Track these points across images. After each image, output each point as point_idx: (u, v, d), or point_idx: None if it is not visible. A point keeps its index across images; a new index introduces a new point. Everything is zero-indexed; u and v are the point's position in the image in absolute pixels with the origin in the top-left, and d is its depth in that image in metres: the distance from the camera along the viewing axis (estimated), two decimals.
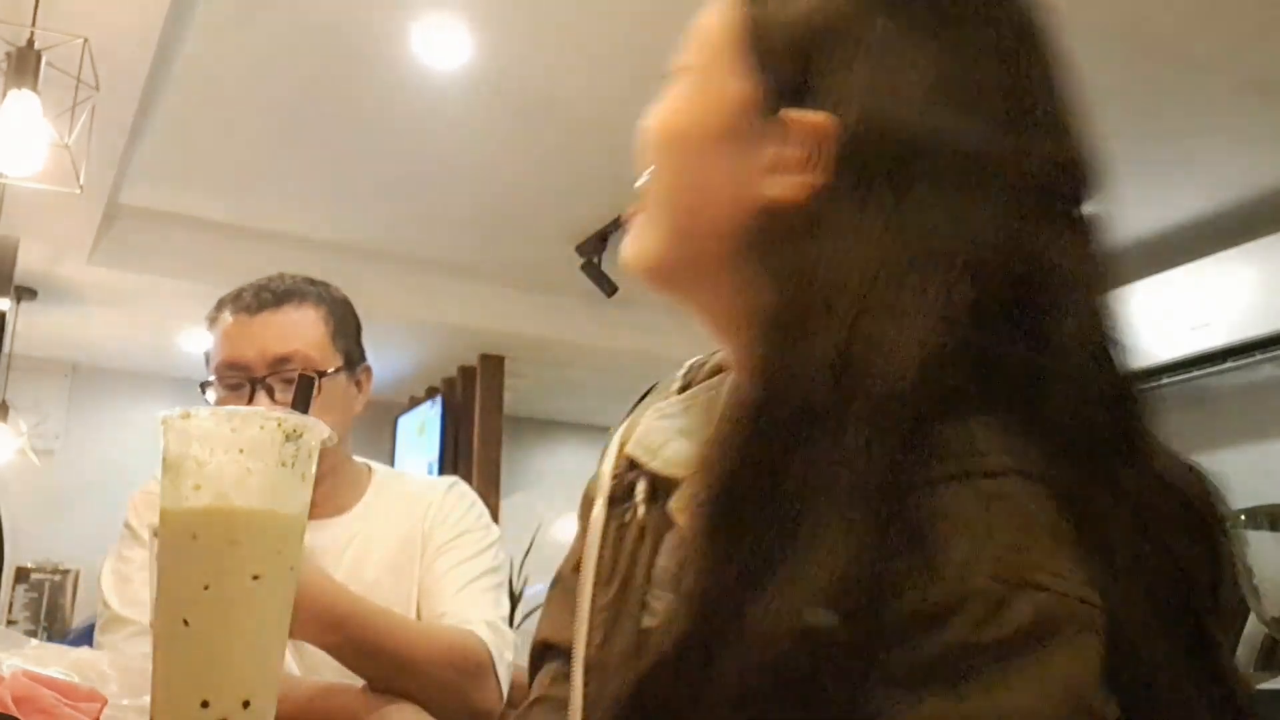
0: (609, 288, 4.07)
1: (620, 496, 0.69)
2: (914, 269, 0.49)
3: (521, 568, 4.67)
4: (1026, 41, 0.57)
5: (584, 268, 4.12)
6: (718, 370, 0.72)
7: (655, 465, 0.67)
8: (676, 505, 0.64)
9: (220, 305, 1.29)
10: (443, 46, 2.97)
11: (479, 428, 4.97)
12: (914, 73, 0.52)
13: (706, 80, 0.59)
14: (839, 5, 0.54)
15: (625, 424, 0.73)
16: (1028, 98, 0.55)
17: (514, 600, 4.50)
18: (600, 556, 0.68)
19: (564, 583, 0.74)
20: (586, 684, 0.65)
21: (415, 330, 4.72)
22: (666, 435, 0.68)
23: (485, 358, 5.04)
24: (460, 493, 1.39)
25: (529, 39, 2.96)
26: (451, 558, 1.30)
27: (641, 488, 0.68)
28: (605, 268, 4.08)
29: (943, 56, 0.52)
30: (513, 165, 3.64)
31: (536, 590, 4.71)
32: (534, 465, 5.92)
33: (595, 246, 4.09)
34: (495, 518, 1.42)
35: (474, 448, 4.95)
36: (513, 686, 1.22)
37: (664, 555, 0.66)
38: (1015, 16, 0.57)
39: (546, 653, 0.74)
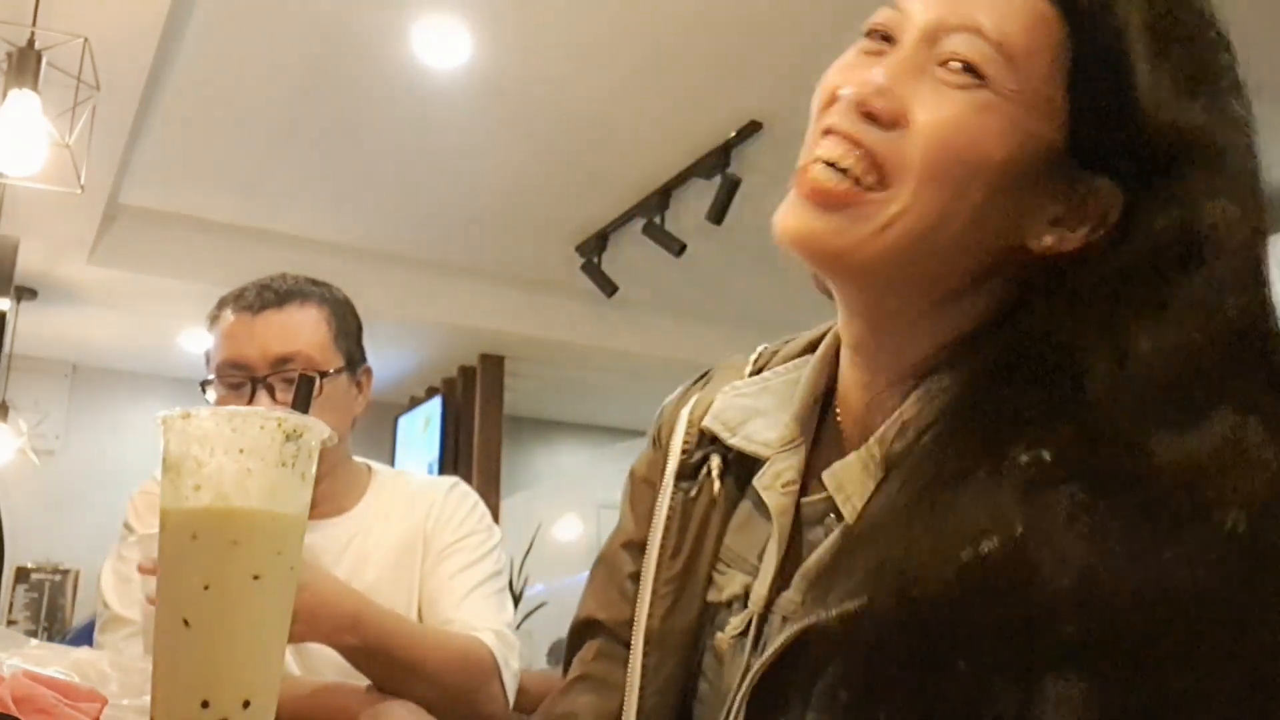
0: (609, 288, 4.07)
1: (689, 472, 0.70)
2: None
3: (522, 568, 4.68)
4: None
5: (584, 268, 4.12)
6: (792, 356, 0.73)
7: (735, 441, 0.68)
8: (762, 483, 0.65)
9: (222, 304, 1.29)
10: (443, 47, 2.97)
11: (479, 428, 4.97)
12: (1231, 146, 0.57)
13: (1019, 113, 0.55)
14: (1192, 109, 0.56)
15: (691, 403, 0.73)
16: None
17: (514, 601, 4.50)
18: (668, 527, 0.69)
19: (609, 561, 0.75)
20: (646, 654, 0.66)
21: (415, 330, 4.72)
22: (745, 413, 0.69)
23: (485, 358, 5.04)
24: (462, 494, 1.39)
25: (529, 40, 2.96)
26: (456, 563, 1.30)
27: (716, 463, 0.69)
28: (605, 268, 4.08)
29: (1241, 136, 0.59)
30: (513, 165, 3.64)
31: (537, 590, 4.71)
32: (534, 465, 5.92)
33: (595, 246, 4.09)
34: (495, 518, 1.42)
35: (474, 448, 4.95)
36: (519, 692, 1.22)
37: (732, 532, 0.67)
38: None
39: (588, 630, 0.74)
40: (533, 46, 2.99)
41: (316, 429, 0.58)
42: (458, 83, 3.13)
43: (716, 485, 0.68)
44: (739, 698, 0.59)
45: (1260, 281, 0.54)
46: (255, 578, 0.55)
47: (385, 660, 1.08)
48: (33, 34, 2.30)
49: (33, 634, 4.45)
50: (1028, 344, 0.55)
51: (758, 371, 0.74)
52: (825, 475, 0.62)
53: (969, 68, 0.56)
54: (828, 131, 0.58)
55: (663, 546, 0.68)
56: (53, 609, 4.83)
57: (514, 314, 4.68)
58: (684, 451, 0.70)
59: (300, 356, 1.24)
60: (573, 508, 5.36)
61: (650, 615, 0.67)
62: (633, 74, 3.07)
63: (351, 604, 1.05)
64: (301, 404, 0.70)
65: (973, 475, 0.51)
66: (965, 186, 0.55)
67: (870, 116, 0.57)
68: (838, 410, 0.67)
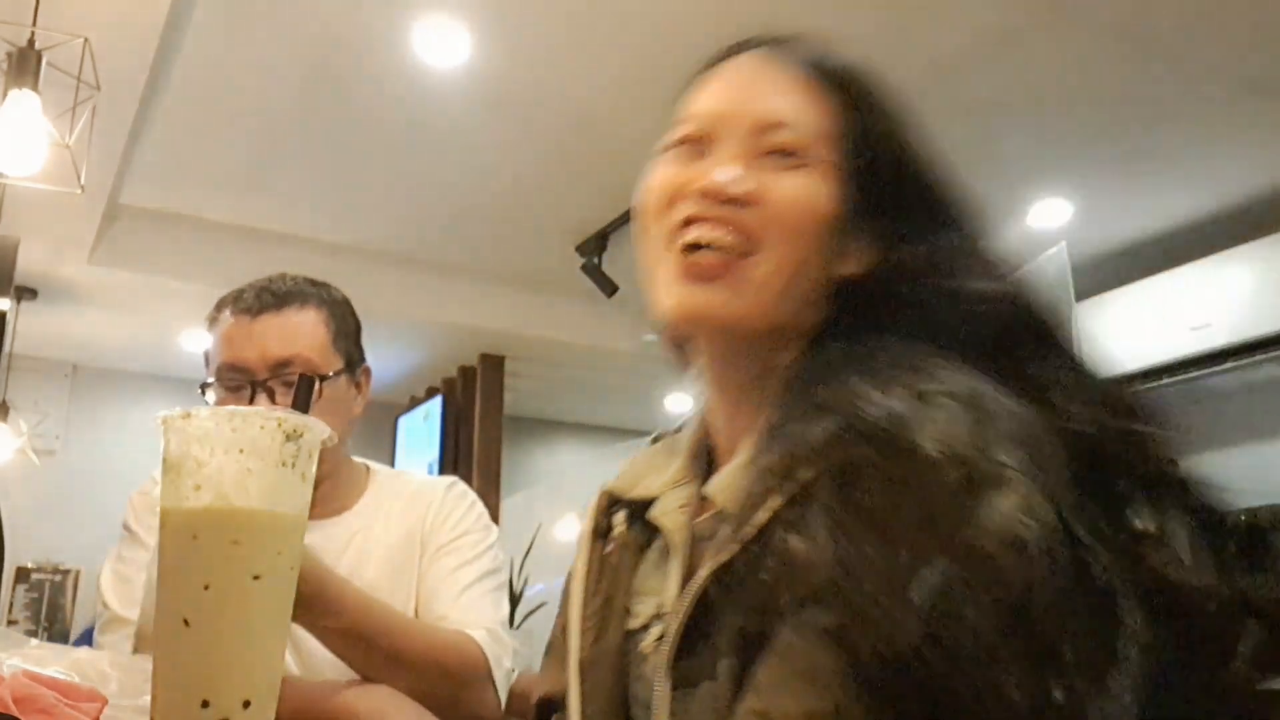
0: (609, 288, 4.07)
1: (602, 532, 0.80)
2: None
3: (522, 568, 4.67)
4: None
5: (584, 268, 4.11)
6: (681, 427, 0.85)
7: (634, 494, 0.79)
8: (657, 512, 0.76)
9: (220, 306, 1.29)
10: (443, 47, 2.97)
11: (479, 428, 4.97)
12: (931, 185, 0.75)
13: (829, 179, 0.72)
14: (907, 164, 0.75)
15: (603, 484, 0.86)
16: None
17: (514, 601, 4.50)
18: (588, 574, 0.79)
19: (556, 647, 0.82)
20: (583, 680, 0.74)
21: (415, 330, 4.72)
22: (639, 476, 0.81)
23: (485, 358, 5.04)
24: (460, 493, 1.39)
25: (529, 40, 2.96)
26: (452, 560, 1.30)
27: (621, 516, 0.80)
28: (605, 268, 4.08)
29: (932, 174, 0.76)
30: (513, 165, 3.64)
31: (537, 590, 4.70)
32: (534, 465, 5.92)
33: (595, 246, 4.09)
34: (495, 518, 1.42)
35: (474, 448, 4.95)
36: (511, 695, 1.21)
37: (643, 571, 0.76)
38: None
39: (546, 707, 0.81)
40: (533, 46, 2.99)
41: (316, 429, 0.58)
42: (458, 83, 3.13)
43: (622, 529, 0.79)
44: (661, 667, 0.66)
45: (993, 276, 0.71)
46: (255, 578, 0.55)
47: (368, 648, 1.06)
48: (33, 34, 2.30)
49: (33, 634, 4.45)
50: (838, 346, 0.69)
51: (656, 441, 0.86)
52: (706, 488, 0.73)
53: (787, 152, 0.71)
54: (690, 221, 0.70)
55: (585, 590, 0.78)
56: (53, 609, 4.83)
57: (514, 314, 4.68)
58: (595, 515, 0.81)
59: (299, 359, 1.23)
60: (573, 508, 5.35)
61: (580, 647, 0.76)
62: (633, 73, 3.07)
63: (335, 587, 1.03)
64: (302, 404, 0.70)
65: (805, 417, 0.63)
66: (811, 240, 0.70)
67: (731, 200, 0.70)
68: (718, 457, 0.77)
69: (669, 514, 0.75)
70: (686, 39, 2.92)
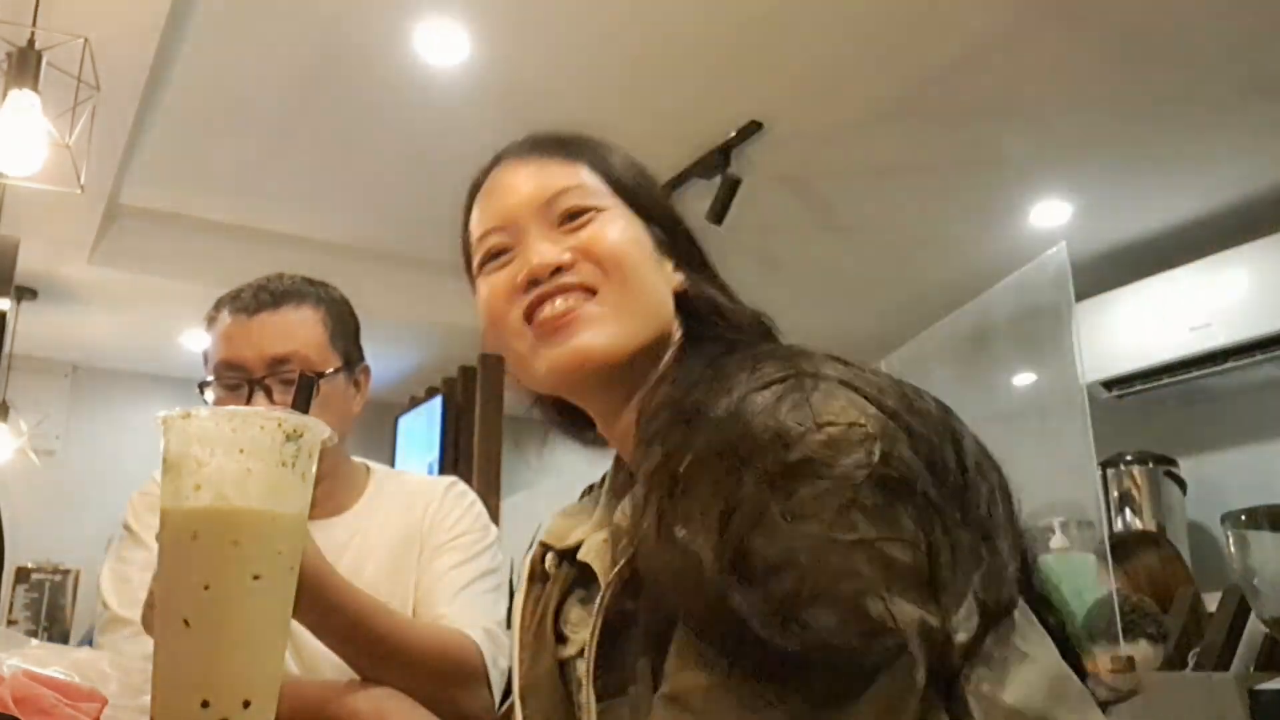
0: None
1: (539, 576, 0.87)
2: None
3: (522, 567, 4.67)
4: None
5: None
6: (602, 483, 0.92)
7: (564, 544, 0.85)
8: (584, 552, 0.80)
9: (219, 305, 1.29)
10: (442, 47, 2.97)
11: (479, 428, 4.97)
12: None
13: (624, 215, 0.82)
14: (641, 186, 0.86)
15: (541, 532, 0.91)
16: None
17: (512, 599, 4.49)
18: (524, 612, 0.86)
19: (511, 656, 0.90)
20: (524, 702, 0.82)
21: (415, 330, 4.72)
22: (570, 527, 0.87)
23: (485, 358, 5.03)
24: (459, 492, 1.39)
25: (529, 39, 2.96)
26: (449, 559, 1.30)
27: (550, 558, 0.86)
28: None
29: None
30: None
31: None
32: (534, 465, 5.90)
33: None
34: (495, 518, 1.41)
35: (474, 448, 4.95)
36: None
37: (573, 604, 0.82)
38: None
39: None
40: (532, 46, 2.99)
41: (316, 429, 0.58)
42: (458, 83, 3.13)
43: (550, 563, 0.85)
44: (585, 678, 0.71)
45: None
46: (255, 578, 0.55)
47: (366, 647, 1.07)
48: (33, 34, 2.30)
49: (33, 634, 4.44)
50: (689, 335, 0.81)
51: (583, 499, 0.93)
52: (616, 516, 0.76)
53: (579, 210, 0.81)
54: (532, 308, 0.78)
55: (521, 624, 0.85)
56: (53, 609, 4.83)
57: None
58: (533, 563, 0.88)
59: (297, 357, 1.23)
60: None
61: (520, 673, 0.83)
62: (633, 74, 3.07)
63: (335, 584, 1.03)
64: (301, 404, 0.70)
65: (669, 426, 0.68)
66: (640, 267, 0.80)
67: (557, 270, 0.78)
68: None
69: (592, 551, 0.79)
70: (687, 38, 2.92)
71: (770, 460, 0.57)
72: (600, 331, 0.76)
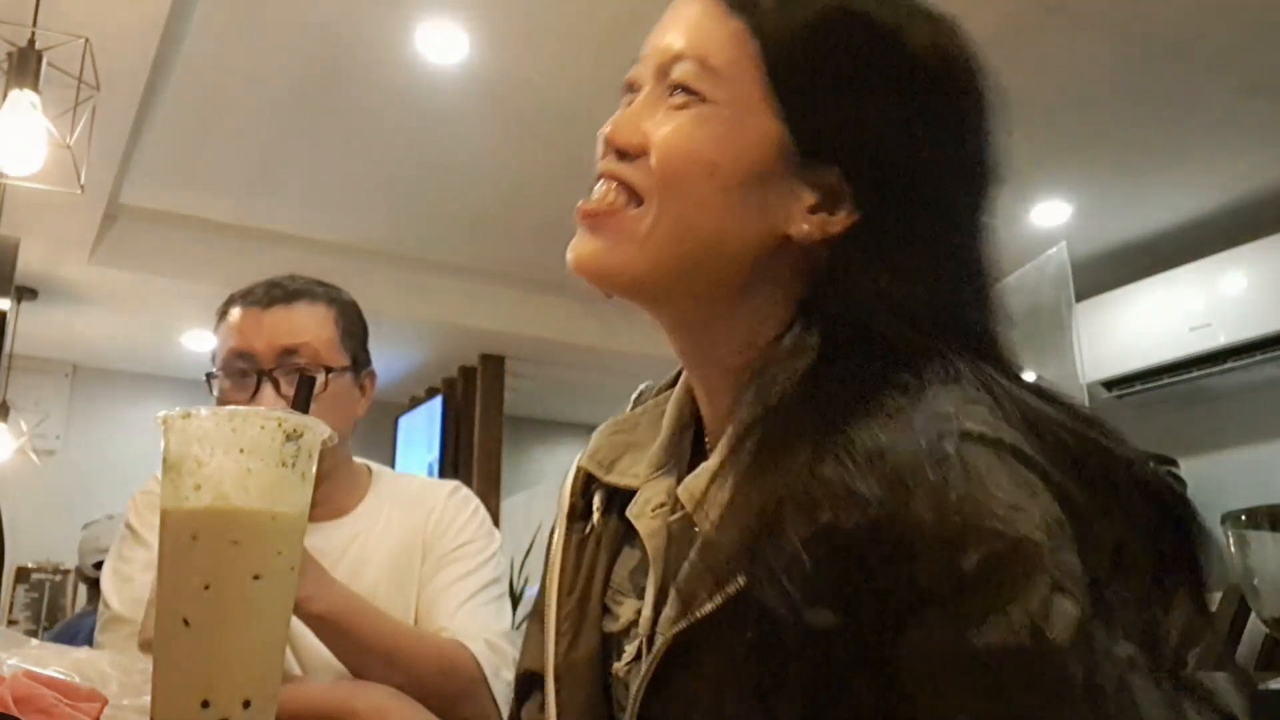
0: None
1: (580, 513, 0.74)
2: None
3: (522, 568, 4.67)
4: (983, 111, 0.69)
5: None
6: (666, 388, 0.77)
7: (610, 478, 0.72)
8: (633, 512, 0.69)
9: (231, 300, 1.29)
10: (443, 47, 2.97)
11: (479, 428, 4.97)
12: (917, 128, 0.63)
13: (736, 117, 0.62)
14: (857, 71, 0.62)
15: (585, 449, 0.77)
16: (981, 153, 0.69)
17: (514, 600, 4.49)
18: (563, 570, 0.72)
19: (540, 615, 0.76)
20: (558, 690, 0.69)
21: (415, 330, 4.72)
22: (618, 449, 0.73)
23: (485, 358, 5.04)
24: (463, 498, 1.39)
25: (529, 39, 2.96)
26: (454, 570, 1.29)
27: (597, 500, 0.73)
28: None
29: (929, 117, 0.64)
30: (513, 165, 3.64)
31: (536, 591, 4.70)
32: (534, 465, 5.92)
33: None
34: (495, 518, 1.41)
35: (474, 448, 4.95)
36: None
37: (622, 564, 0.70)
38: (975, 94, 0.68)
39: (529, 682, 0.75)
40: (532, 46, 2.99)
41: (316, 429, 0.58)
42: (458, 83, 3.13)
43: (598, 519, 0.72)
44: (629, 717, 0.60)
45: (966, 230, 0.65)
46: (255, 578, 0.55)
47: (356, 642, 1.07)
48: (33, 34, 2.30)
49: (33, 634, 4.44)
50: (829, 332, 0.61)
51: (637, 404, 0.78)
52: (679, 491, 0.65)
53: (684, 88, 0.63)
54: (599, 176, 0.66)
55: (560, 585, 0.72)
56: (53, 609, 4.82)
57: (514, 314, 4.68)
58: (572, 494, 0.75)
59: (306, 349, 1.24)
60: None
61: (556, 652, 0.70)
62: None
63: (315, 568, 1.05)
64: (302, 403, 0.70)
65: (794, 456, 0.54)
66: (700, 189, 0.62)
67: (621, 153, 0.65)
68: (705, 431, 0.71)
69: (644, 517, 0.68)
70: None
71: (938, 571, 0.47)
72: (619, 250, 0.64)
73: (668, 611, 0.61)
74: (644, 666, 0.59)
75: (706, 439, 0.70)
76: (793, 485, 0.53)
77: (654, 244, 0.63)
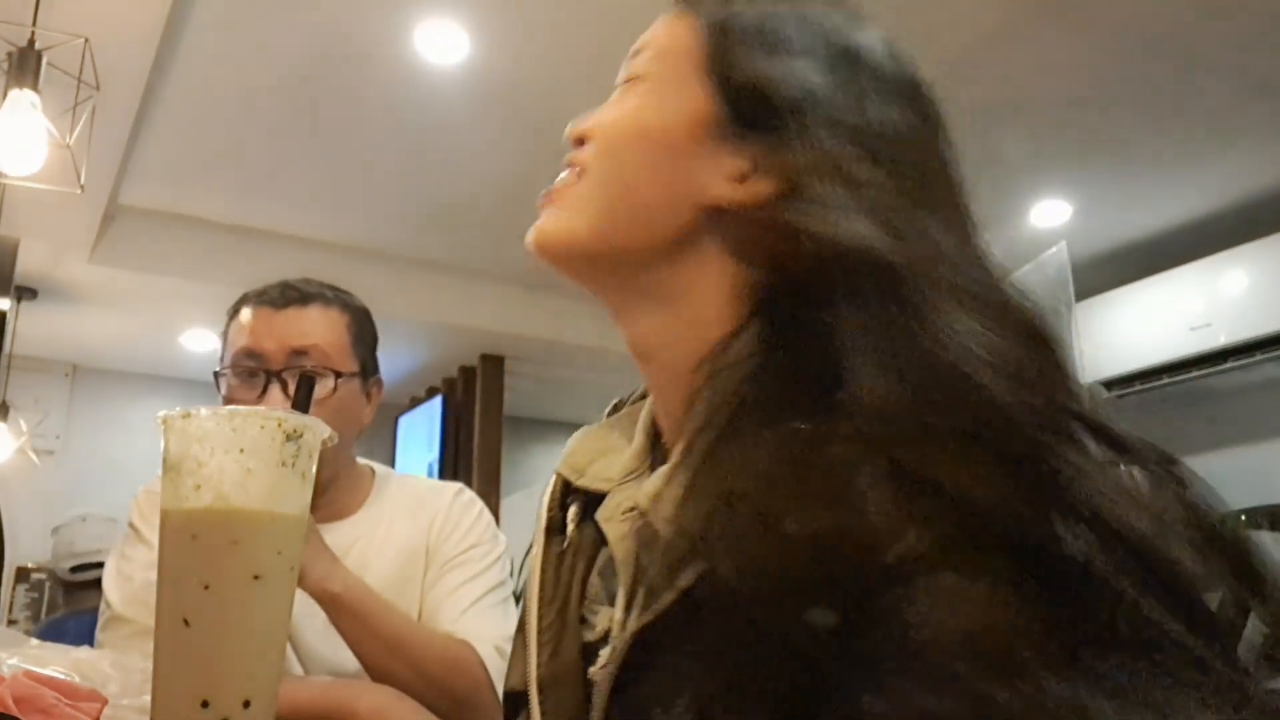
0: None
1: (558, 526, 0.73)
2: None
3: (522, 568, 4.67)
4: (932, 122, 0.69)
5: None
6: (644, 395, 0.77)
7: (583, 482, 0.72)
8: (602, 516, 0.68)
9: (244, 299, 1.29)
10: (443, 47, 2.97)
11: (479, 428, 4.97)
12: (850, 103, 0.63)
13: (669, 89, 0.66)
14: (788, 46, 0.64)
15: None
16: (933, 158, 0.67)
17: (515, 600, 4.49)
18: (542, 582, 0.72)
19: (523, 630, 0.75)
20: (542, 700, 0.68)
21: (415, 330, 4.72)
22: (593, 454, 0.73)
23: (485, 358, 5.04)
24: (467, 501, 1.38)
25: (529, 39, 2.96)
26: (459, 576, 1.29)
27: (573, 511, 0.72)
28: None
29: (869, 113, 0.63)
30: (514, 166, 3.64)
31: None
32: (534, 465, 5.92)
33: None
34: (495, 517, 1.41)
35: (474, 448, 4.95)
36: None
37: (598, 573, 0.69)
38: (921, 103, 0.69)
39: (517, 700, 0.73)
40: (532, 46, 2.99)
41: (316, 429, 0.58)
42: (458, 83, 3.13)
43: (572, 530, 0.71)
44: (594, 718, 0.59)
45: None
46: (255, 578, 0.55)
47: (369, 627, 1.08)
48: (33, 34, 2.30)
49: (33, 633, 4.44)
50: (771, 325, 0.60)
51: (615, 412, 0.79)
52: (638, 494, 0.64)
53: (636, 77, 0.69)
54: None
55: (540, 597, 0.71)
56: (53, 609, 4.82)
57: (514, 314, 4.68)
58: (550, 507, 0.74)
59: (317, 351, 1.24)
60: None
61: (538, 663, 0.69)
62: None
63: (327, 553, 1.07)
64: (302, 404, 0.70)
65: (744, 452, 0.54)
66: (631, 153, 0.65)
67: (578, 141, 0.69)
68: (663, 436, 0.70)
69: (612, 522, 0.67)
70: None
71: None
72: (556, 221, 0.68)
73: (637, 614, 0.60)
74: (609, 669, 0.59)
75: (664, 442, 0.70)
76: (743, 480, 0.52)
77: (591, 206, 0.66)
